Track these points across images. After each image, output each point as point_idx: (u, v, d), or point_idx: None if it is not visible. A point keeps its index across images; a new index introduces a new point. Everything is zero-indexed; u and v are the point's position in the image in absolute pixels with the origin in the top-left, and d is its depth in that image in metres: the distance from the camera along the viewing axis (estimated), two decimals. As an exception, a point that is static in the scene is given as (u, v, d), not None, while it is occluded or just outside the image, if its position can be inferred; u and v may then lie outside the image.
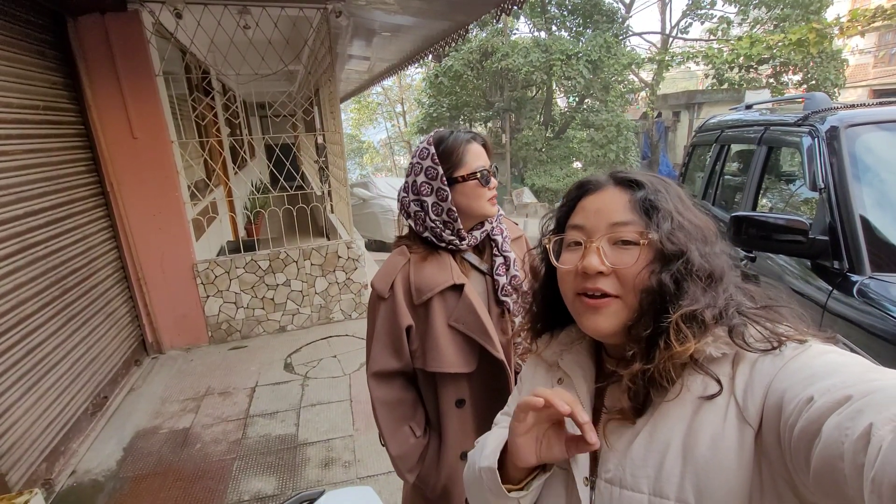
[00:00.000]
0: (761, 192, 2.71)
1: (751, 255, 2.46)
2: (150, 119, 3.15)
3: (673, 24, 14.94)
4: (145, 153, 3.17)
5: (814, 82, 11.86)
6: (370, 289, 1.14)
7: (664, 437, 0.53)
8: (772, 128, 2.58)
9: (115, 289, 3.12)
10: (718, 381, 0.51)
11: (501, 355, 1.07)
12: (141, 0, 2.99)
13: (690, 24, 14.31)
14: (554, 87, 14.85)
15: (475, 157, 1.08)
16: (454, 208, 1.07)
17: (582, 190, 0.64)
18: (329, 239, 4.76)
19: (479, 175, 1.07)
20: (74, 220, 2.73)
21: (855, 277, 1.68)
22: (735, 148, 3.27)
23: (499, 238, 1.15)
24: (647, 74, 15.64)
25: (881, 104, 2.27)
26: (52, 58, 2.72)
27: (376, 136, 27.89)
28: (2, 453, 1.94)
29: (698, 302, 0.53)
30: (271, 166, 3.88)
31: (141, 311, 3.39)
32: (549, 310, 0.71)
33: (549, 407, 0.52)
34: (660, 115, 15.28)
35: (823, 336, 0.53)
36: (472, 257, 1.15)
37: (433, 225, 1.08)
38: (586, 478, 0.60)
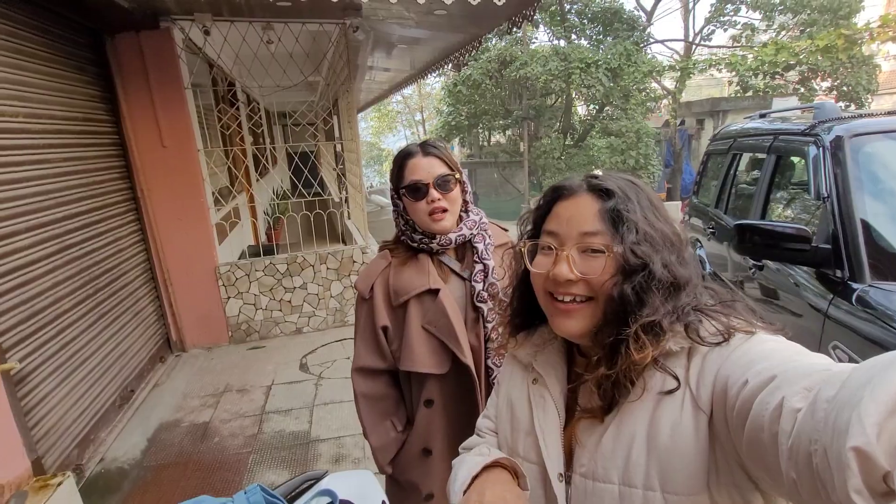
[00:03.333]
0: (770, 200, 2.71)
1: (759, 263, 2.46)
2: (178, 129, 3.34)
3: (696, 32, 14.78)
4: (173, 161, 3.37)
5: (845, 88, 11.52)
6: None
7: (629, 431, 0.57)
8: (781, 137, 2.58)
9: (142, 289, 3.31)
10: (676, 378, 0.55)
11: (468, 360, 1.10)
12: (172, 18, 3.20)
13: (714, 31, 14.10)
14: (573, 95, 14.83)
15: (412, 171, 1.10)
16: (409, 218, 1.14)
17: (557, 194, 0.66)
18: (345, 244, 4.90)
19: (404, 190, 1.11)
20: (107, 223, 2.93)
21: (855, 285, 1.69)
22: (747, 156, 3.26)
23: (480, 245, 1.17)
24: (669, 82, 15.49)
25: (891, 113, 2.25)
26: (91, 73, 2.93)
27: (396, 143, 28.28)
28: (38, 438, 2.10)
29: (657, 312, 0.56)
30: (291, 174, 4.05)
31: (166, 310, 3.57)
32: (526, 306, 0.73)
33: None
34: (683, 122, 15.08)
35: (772, 328, 0.56)
36: (452, 262, 1.18)
37: (404, 228, 1.16)
38: (560, 474, 0.64)
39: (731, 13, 13.53)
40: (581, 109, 16.93)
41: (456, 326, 1.10)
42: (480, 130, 18.00)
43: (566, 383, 0.68)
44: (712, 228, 3.34)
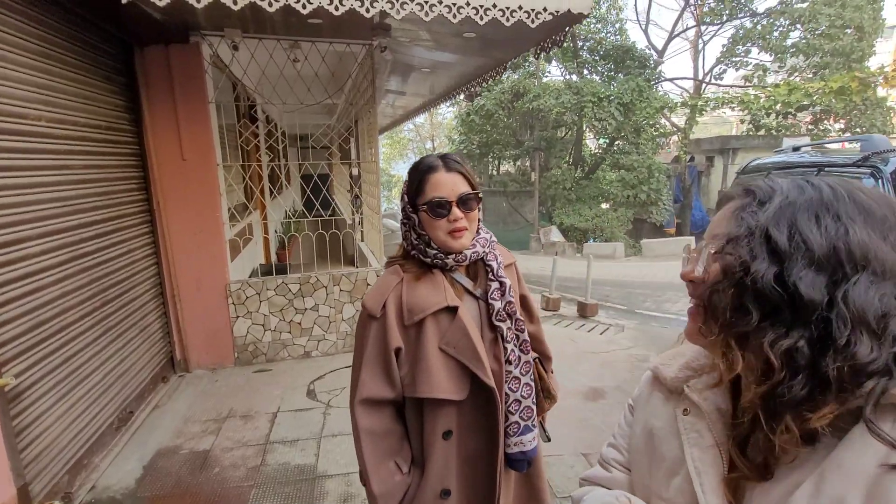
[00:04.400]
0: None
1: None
2: (199, 142, 3.30)
3: (707, 71, 15.05)
4: (192, 174, 3.30)
5: (858, 130, 11.57)
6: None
7: (836, 494, 0.44)
8: (826, 169, 2.48)
9: (150, 304, 3.18)
10: None
11: (492, 382, 1.02)
12: (202, 33, 3.20)
13: (724, 71, 14.37)
14: (584, 128, 15.01)
15: (433, 187, 1.05)
16: (424, 233, 1.08)
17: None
18: (357, 267, 4.78)
19: (425, 206, 1.05)
20: (121, 234, 2.83)
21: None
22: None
23: (493, 263, 1.12)
24: (679, 119, 15.65)
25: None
26: (117, 83, 2.91)
27: (406, 170, 28.66)
28: (28, 462, 1.93)
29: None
30: (309, 192, 3.98)
31: (173, 327, 3.43)
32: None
33: None
34: (692, 158, 15.15)
35: None
36: (464, 280, 1.12)
37: (416, 242, 1.09)
38: None
39: (743, 54, 13.79)
40: (591, 143, 17.12)
41: (478, 346, 1.02)
42: (490, 160, 18.19)
43: (731, 422, 0.55)
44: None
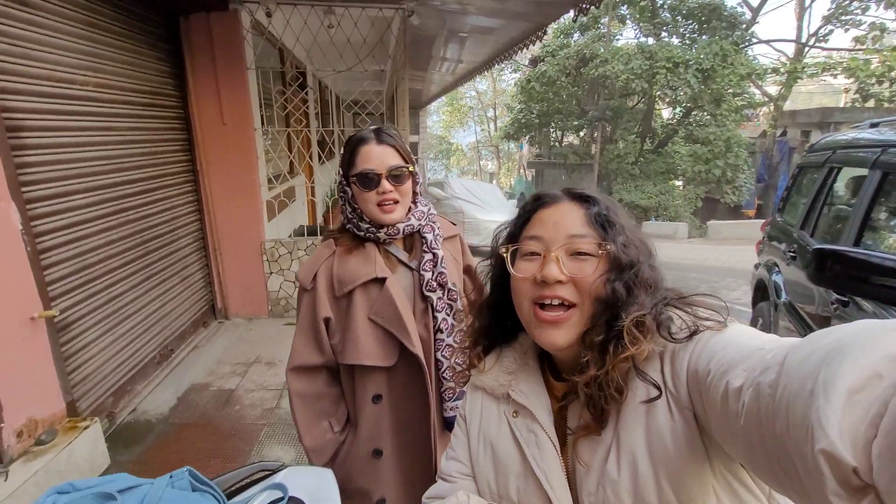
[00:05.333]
0: (868, 225, 2.25)
1: (843, 297, 2.06)
2: (238, 108, 3.49)
3: (811, 32, 13.09)
4: (231, 138, 3.53)
5: None
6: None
7: (629, 447, 0.55)
8: (891, 150, 2.13)
9: (192, 256, 3.51)
10: (657, 386, 0.55)
11: (418, 350, 1.06)
12: (241, 0, 3.33)
13: (831, 32, 12.40)
14: (656, 96, 13.81)
15: (364, 159, 1.06)
16: (357, 206, 1.10)
17: (538, 203, 0.67)
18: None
19: (355, 178, 1.06)
20: (165, 191, 3.12)
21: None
22: (847, 172, 2.76)
23: (429, 235, 1.15)
24: (773, 88, 13.88)
25: None
26: (163, 50, 3.13)
27: (466, 138, 28.28)
28: (75, 383, 2.28)
29: (645, 308, 0.58)
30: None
31: (214, 279, 3.78)
32: (497, 322, 0.72)
33: None
34: (784, 133, 13.44)
35: (735, 319, 0.56)
36: (399, 252, 1.14)
37: (351, 216, 1.12)
38: None
39: (858, 11, 11.79)
40: (666, 113, 15.76)
41: (404, 316, 1.06)
42: (552, 130, 17.40)
43: (551, 408, 0.65)
44: (793, 252, 2.89)
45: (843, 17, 11.94)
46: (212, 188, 3.61)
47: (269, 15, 3.29)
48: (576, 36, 14.82)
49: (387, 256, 1.13)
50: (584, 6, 3.03)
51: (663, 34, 13.94)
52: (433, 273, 1.11)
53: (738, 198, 13.03)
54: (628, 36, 15.69)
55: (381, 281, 1.07)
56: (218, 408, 2.84)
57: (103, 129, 2.51)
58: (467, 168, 28.78)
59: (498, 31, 4.39)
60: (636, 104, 14.98)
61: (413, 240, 1.17)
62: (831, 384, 0.33)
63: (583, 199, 0.65)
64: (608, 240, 0.61)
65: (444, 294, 1.13)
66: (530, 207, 0.68)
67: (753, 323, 3.42)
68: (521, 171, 22.52)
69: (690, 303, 0.60)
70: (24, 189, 1.96)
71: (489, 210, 7.88)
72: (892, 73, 9.85)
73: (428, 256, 1.13)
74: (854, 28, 11.99)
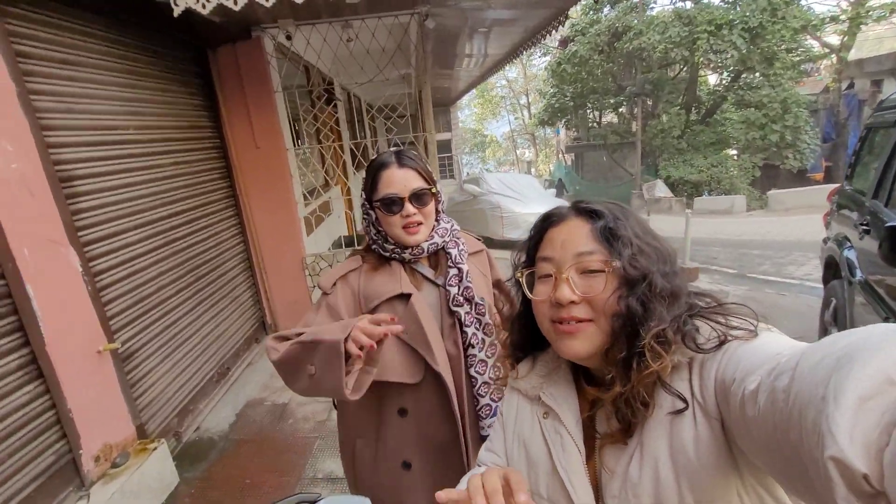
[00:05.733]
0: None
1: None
2: (269, 130, 3.61)
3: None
4: (265, 160, 3.66)
5: None
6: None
7: (652, 453, 0.56)
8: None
9: (240, 277, 3.68)
10: (683, 399, 0.55)
11: (440, 368, 1.06)
12: (262, 27, 3.43)
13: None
14: (699, 63, 12.93)
15: (386, 184, 1.08)
16: (381, 229, 1.12)
17: (547, 222, 0.68)
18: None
19: (379, 203, 1.08)
20: (209, 218, 3.29)
21: None
22: (926, 130, 2.43)
23: (454, 251, 1.15)
24: (834, 38, 12.58)
25: None
26: (195, 85, 3.29)
27: (500, 129, 27.90)
28: (142, 407, 2.45)
29: (664, 321, 0.57)
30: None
31: (262, 296, 3.95)
32: (526, 338, 0.75)
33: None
34: (852, 85, 12.15)
35: (768, 325, 0.56)
36: (425, 269, 1.15)
37: (375, 237, 1.14)
38: None
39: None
40: (712, 79, 14.73)
41: (429, 333, 1.06)
42: (589, 111, 16.77)
43: (580, 413, 0.67)
44: (866, 225, 2.59)
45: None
46: (252, 210, 3.77)
47: (289, 37, 3.37)
48: (606, 10, 14.17)
49: (412, 274, 1.14)
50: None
51: (703, -5, 13.01)
52: (459, 288, 1.11)
53: (803, 162, 11.96)
54: (663, 2, 14.72)
55: (406, 297, 1.08)
56: (273, 423, 2.96)
57: (147, 168, 2.67)
58: (503, 158, 28.40)
59: (519, 20, 4.27)
60: (678, 74, 14.11)
61: (438, 257, 1.18)
62: (842, 390, 0.33)
63: (590, 214, 0.65)
64: (614, 254, 0.60)
65: (471, 308, 1.12)
66: (540, 227, 0.69)
67: (826, 304, 3.12)
68: (560, 156, 21.93)
69: (719, 311, 0.59)
70: (80, 233, 2.12)
71: (528, 202, 7.70)
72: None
73: (453, 272, 1.13)
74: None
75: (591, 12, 14.14)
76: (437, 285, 1.14)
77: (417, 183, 1.08)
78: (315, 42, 3.51)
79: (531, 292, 0.67)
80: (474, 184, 8.76)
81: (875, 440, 0.31)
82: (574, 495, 0.62)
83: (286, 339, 1.05)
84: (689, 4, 13.02)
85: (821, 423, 0.33)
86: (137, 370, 2.45)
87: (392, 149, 1.15)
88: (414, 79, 6.17)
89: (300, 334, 1.01)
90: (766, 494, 0.53)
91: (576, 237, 0.63)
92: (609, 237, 0.62)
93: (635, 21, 12.57)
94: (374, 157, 1.15)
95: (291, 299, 4.00)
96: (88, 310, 2.11)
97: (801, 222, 8.60)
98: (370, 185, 1.11)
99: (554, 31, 4.15)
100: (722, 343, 0.54)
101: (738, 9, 11.39)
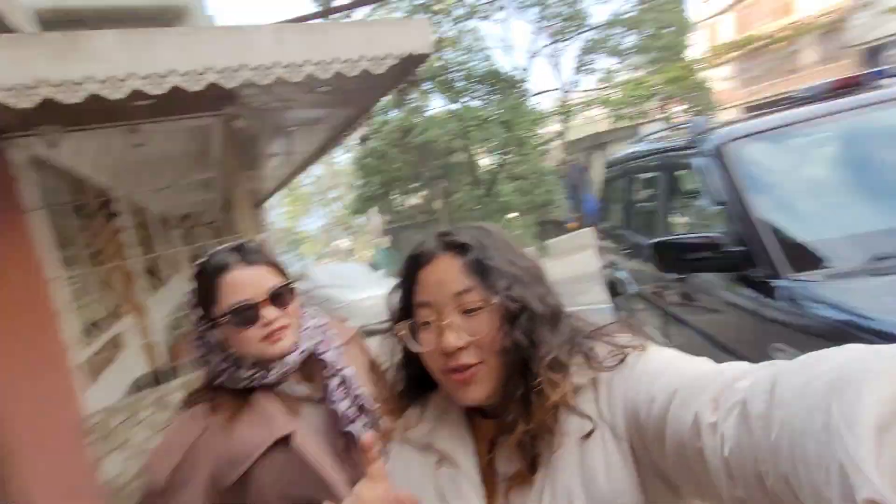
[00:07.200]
0: (670, 214, 2.83)
1: (682, 276, 2.46)
2: (18, 259, 2.76)
3: (567, 81, 16.76)
4: (15, 298, 2.73)
5: (697, 108, 13.53)
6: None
7: (565, 486, 0.53)
8: (667, 154, 2.72)
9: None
10: (590, 418, 0.54)
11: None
12: (4, 136, 2.76)
13: (579, 80, 16.16)
14: (474, 149, 15.82)
15: (233, 290, 0.86)
16: (231, 352, 0.88)
17: (417, 263, 0.63)
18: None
19: (227, 317, 0.86)
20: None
21: (775, 282, 1.67)
22: (641, 177, 3.43)
23: (328, 355, 0.94)
24: (559, 126, 17.22)
25: (749, 118, 2.46)
26: None
27: (313, 224, 27.91)
28: None
29: (553, 347, 0.56)
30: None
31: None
32: (414, 381, 0.68)
33: None
34: (575, 158, 16.63)
35: (653, 339, 0.58)
36: (298, 388, 0.93)
37: (223, 366, 0.89)
38: None
39: (592, 62, 15.66)
40: (488, 160, 18.07)
41: (326, 477, 0.84)
42: (396, 196, 18.35)
43: (477, 455, 0.62)
44: (628, 249, 3.40)
45: (585, 68, 15.65)
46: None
47: (53, 146, 2.78)
48: (393, 112, 16.27)
49: (285, 399, 0.91)
50: (402, 86, 3.29)
51: (466, 98, 16.24)
52: (349, 401, 0.92)
53: (562, 215, 15.48)
54: (437, 104, 17.84)
55: (285, 440, 0.85)
56: None
57: None
58: (323, 251, 28.16)
59: (325, 119, 4.49)
60: (461, 159, 16.86)
61: (310, 363, 0.95)
62: (854, 420, 0.30)
63: (456, 247, 0.60)
64: (490, 290, 0.57)
65: (369, 419, 0.94)
66: (410, 268, 0.63)
67: (615, 314, 3.84)
68: (377, 241, 22.95)
69: (605, 332, 0.60)
70: None
71: (359, 288, 7.70)
72: (631, 100, 13.14)
73: (335, 382, 0.93)
74: (595, 72, 15.77)
75: (381, 113, 16.06)
76: (318, 401, 0.94)
77: (273, 280, 0.89)
78: (89, 149, 2.98)
79: (417, 341, 0.61)
80: (301, 281, 8.38)
81: None
82: None
83: None
84: (455, 105, 16.03)
85: (836, 458, 0.31)
86: None
87: (227, 245, 0.93)
88: (219, 183, 5.76)
89: None
90: None
91: (450, 276, 0.59)
92: (482, 270, 0.58)
93: (418, 120, 14.75)
94: (201, 261, 0.91)
95: (69, 486, 2.82)
96: None
97: (574, 261, 10.73)
98: (205, 296, 0.89)
99: (360, 127, 4.51)
100: (622, 358, 0.55)
101: (491, 108, 14.58)
